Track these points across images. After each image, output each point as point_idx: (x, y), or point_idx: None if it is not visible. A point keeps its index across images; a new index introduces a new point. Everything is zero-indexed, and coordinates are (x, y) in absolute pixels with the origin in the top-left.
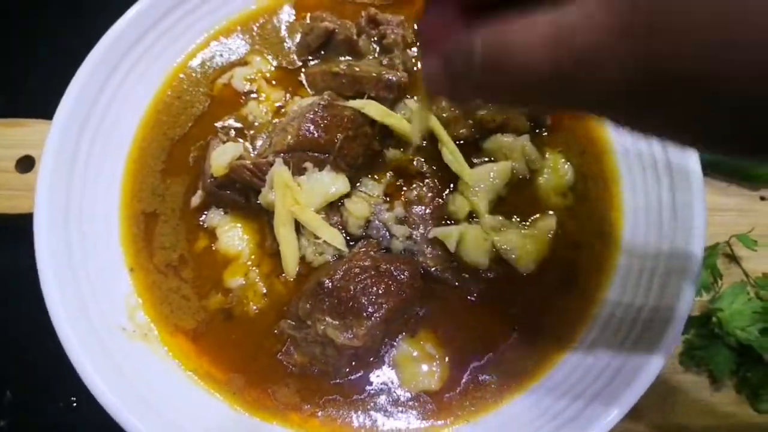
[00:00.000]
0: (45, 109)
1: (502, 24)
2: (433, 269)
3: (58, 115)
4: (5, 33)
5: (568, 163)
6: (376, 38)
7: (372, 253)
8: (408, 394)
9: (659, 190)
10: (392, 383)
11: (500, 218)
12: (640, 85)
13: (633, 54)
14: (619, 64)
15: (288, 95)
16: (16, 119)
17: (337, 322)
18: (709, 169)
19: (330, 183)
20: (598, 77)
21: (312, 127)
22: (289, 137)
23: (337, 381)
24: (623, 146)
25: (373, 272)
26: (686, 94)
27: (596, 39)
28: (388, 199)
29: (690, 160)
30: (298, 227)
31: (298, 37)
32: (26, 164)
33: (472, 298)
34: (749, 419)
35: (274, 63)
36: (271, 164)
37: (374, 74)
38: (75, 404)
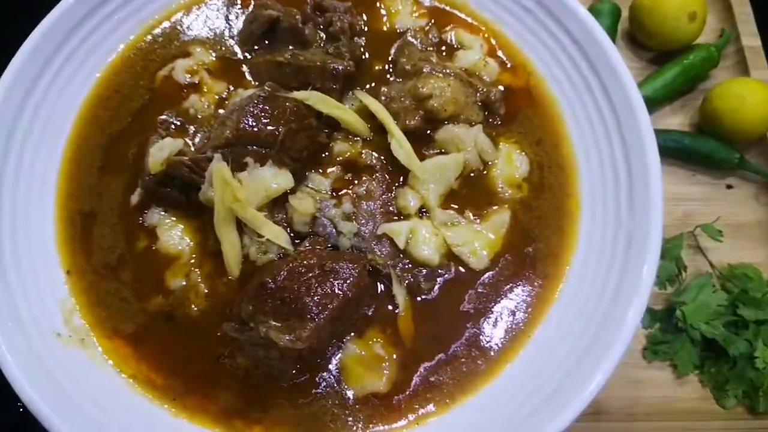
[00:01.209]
0: None
1: None
2: (381, 267)
3: None
4: None
5: (523, 153)
6: (322, 26)
7: (318, 251)
8: (356, 397)
9: (616, 179)
10: (339, 385)
11: (452, 213)
12: None
13: None
14: None
15: (231, 87)
16: None
17: (279, 324)
18: (674, 157)
19: (272, 178)
20: None
21: (252, 121)
22: (228, 131)
23: (283, 384)
24: (581, 134)
25: (318, 271)
26: None
27: None
28: (335, 194)
29: (647, 147)
30: (241, 225)
31: (241, 26)
32: None
33: (423, 296)
34: (714, 415)
35: (217, 54)
36: (210, 160)
37: (319, 63)
38: (21, 410)
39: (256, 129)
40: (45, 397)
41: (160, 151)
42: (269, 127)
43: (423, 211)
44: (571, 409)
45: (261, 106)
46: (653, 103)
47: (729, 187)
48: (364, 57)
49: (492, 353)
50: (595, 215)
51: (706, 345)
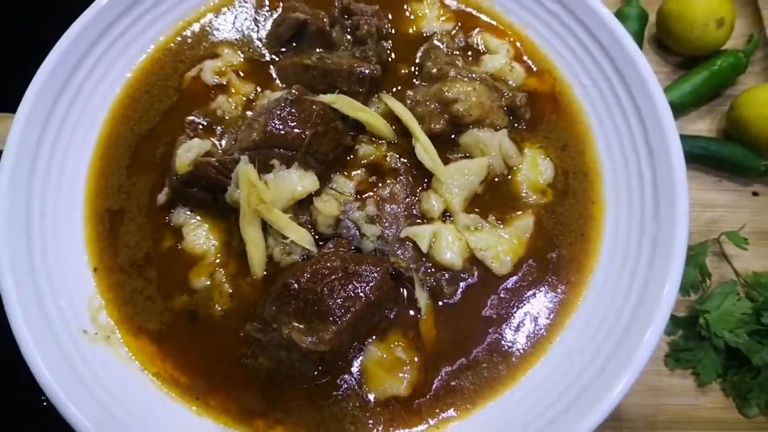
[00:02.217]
0: (11, 103)
1: None
2: (404, 270)
3: (20, 109)
4: None
5: (548, 158)
6: (349, 29)
7: (341, 253)
8: (376, 400)
9: (642, 186)
10: (360, 388)
11: (476, 217)
12: None
13: None
14: None
15: (258, 89)
16: None
17: (302, 326)
18: (699, 164)
19: (298, 181)
20: None
21: (279, 123)
22: (255, 134)
23: (304, 386)
24: (606, 140)
25: (341, 274)
26: None
27: None
28: (359, 197)
29: (673, 152)
30: (266, 226)
31: (269, 28)
32: None
33: (445, 301)
34: (736, 424)
35: (244, 55)
36: (237, 161)
37: (346, 67)
38: (45, 403)
39: (283, 132)
40: (69, 393)
41: (188, 152)
42: (296, 130)
43: (447, 215)
44: (592, 417)
45: (288, 109)
46: (679, 109)
47: (755, 194)
48: (390, 60)
49: (513, 359)
50: (619, 222)
51: (729, 353)
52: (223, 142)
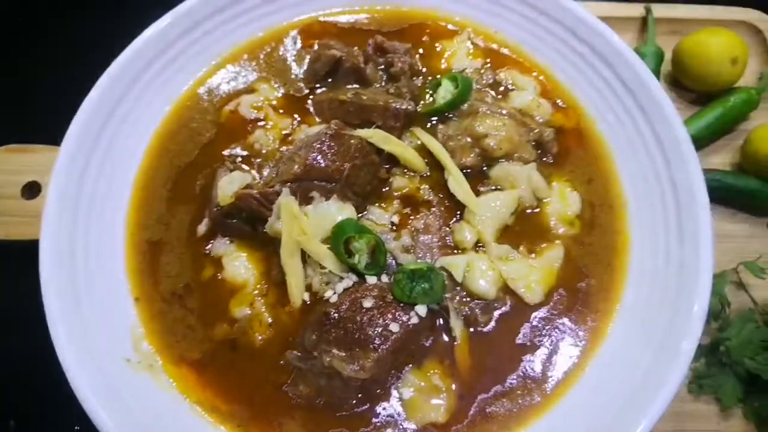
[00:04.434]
0: (52, 135)
1: None
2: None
3: (65, 142)
4: (15, 57)
5: (575, 191)
6: (383, 66)
7: (380, 282)
8: (414, 427)
9: (666, 217)
10: (399, 415)
11: (507, 247)
12: None
13: None
14: None
15: (295, 123)
16: (23, 145)
17: (343, 354)
18: (715, 196)
19: (337, 212)
20: None
21: (319, 157)
22: (296, 167)
23: (343, 413)
24: (630, 174)
25: (380, 302)
26: None
27: None
28: (395, 227)
29: (696, 187)
30: (305, 257)
31: (305, 65)
32: (32, 190)
33: (480, 329)
34: None
35: (282, 90)
36: (278, 194)
37: (381, 103)
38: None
39: (323, 165)
40: (116, 421)
41: (230, 184)
42: (336, 163)
43: (479, 246)
44: None
45: (328, 143)
46: (695, 143)
47: None
48: (423, 98)
49: (546, 386)
50: (644, 252)
51: (750, 379)
52: (262, 175)
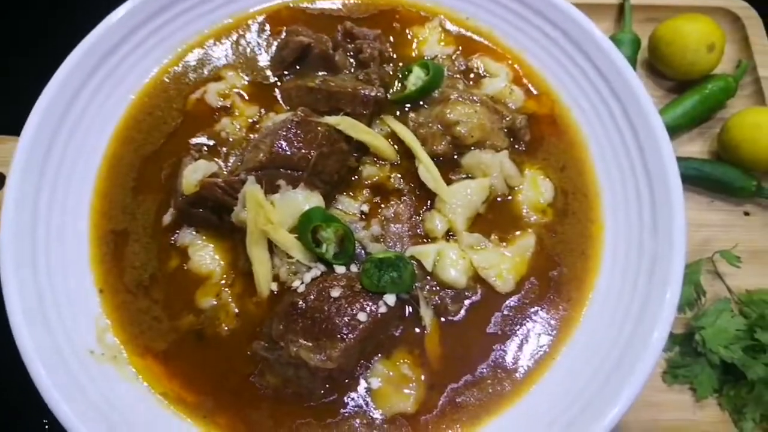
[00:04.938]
0: (15, 125)
1: None
2: None
3: (24, 132)
4: None
5: (548, 179)
6: (352, 53)
7: (347, 272)
8: (383, 417)
9: (640, 205)
10: (367, 405)
11: (478, 236)
12: None
13: None
14: None
15: (262, 111)
16: None
17: (310, 344)
18: (692, 184)
19: (304, 201)
20: None
21: (285, 144)
22: (262, 154)
23: (311, 404)
24: (604, 161)
25: (348, 292)
26: None
27: None
28: (364, 216)
29: (670, 174)
30: (272, 246)
31: (273, 52)
32: None
33: (450, 318)
34: None
35: (249, 78)
36: (243, 182)
37: (350, 89)
38: (47, 427)
39: (289, 152)
40: (78, 413)
41: (194, 173)
42: (302, 151)
43: (450, 235)
44: (601, 427)
45: (294, 130)
46: (672, 131)
47: (746, 213)
48: (393, 84)
49: (517, 375)
50: (617, 241)
51: (725, 369)
52: (228, 164)
